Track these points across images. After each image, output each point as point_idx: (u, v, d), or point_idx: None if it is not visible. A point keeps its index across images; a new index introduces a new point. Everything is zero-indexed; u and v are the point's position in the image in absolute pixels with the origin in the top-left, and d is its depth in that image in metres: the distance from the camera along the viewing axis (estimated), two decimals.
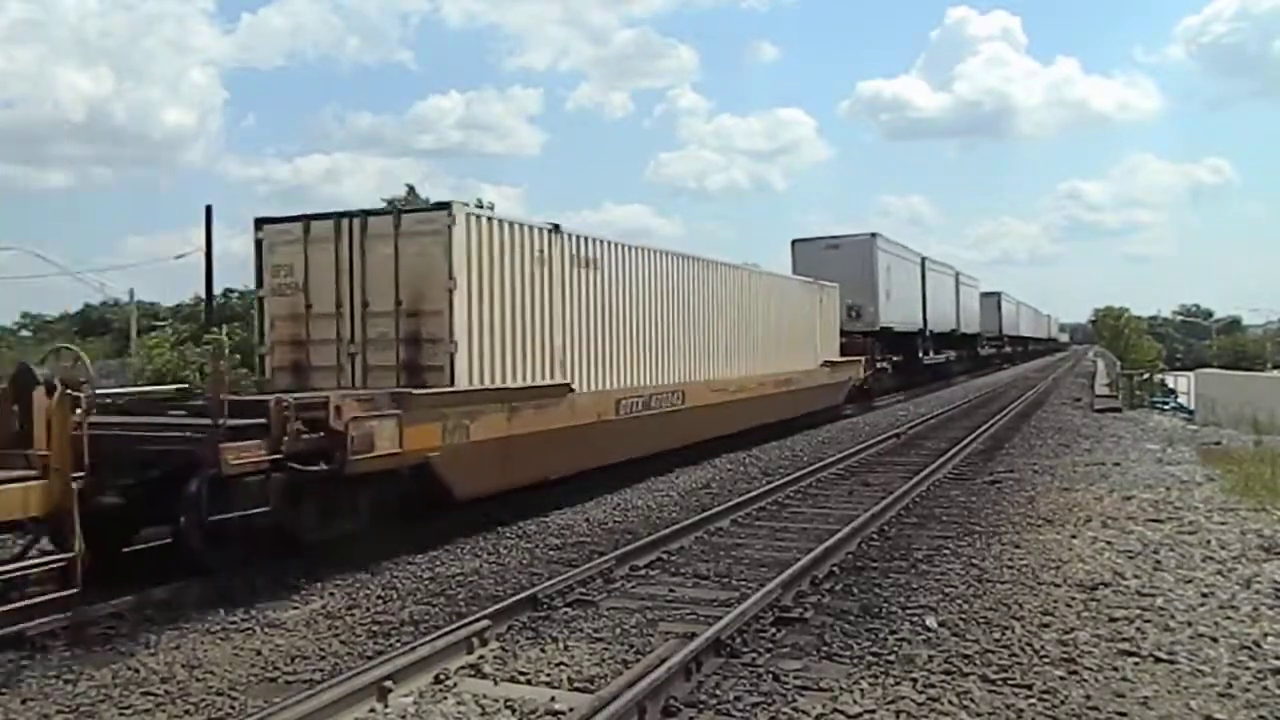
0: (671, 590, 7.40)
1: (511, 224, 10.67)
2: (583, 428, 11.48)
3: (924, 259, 35.21)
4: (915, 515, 10.29)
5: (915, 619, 6.45)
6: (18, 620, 5.84)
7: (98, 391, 7.45)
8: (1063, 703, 5.00)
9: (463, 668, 5.69)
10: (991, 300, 54.94)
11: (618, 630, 6.35)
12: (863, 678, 5.39)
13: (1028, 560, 8.02)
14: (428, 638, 5.93)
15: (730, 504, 10.63)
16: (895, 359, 30.23)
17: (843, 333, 24.33)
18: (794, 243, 28.23)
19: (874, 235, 28.32)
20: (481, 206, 11.79)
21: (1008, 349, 63.95)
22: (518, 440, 10.13)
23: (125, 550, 7.91)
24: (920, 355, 33.45)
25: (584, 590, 7.29)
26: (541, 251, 10.98)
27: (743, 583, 7.47)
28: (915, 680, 5.33)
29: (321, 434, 7.72)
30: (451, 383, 9.54)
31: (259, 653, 6.14)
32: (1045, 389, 35.06)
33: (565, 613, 6.78)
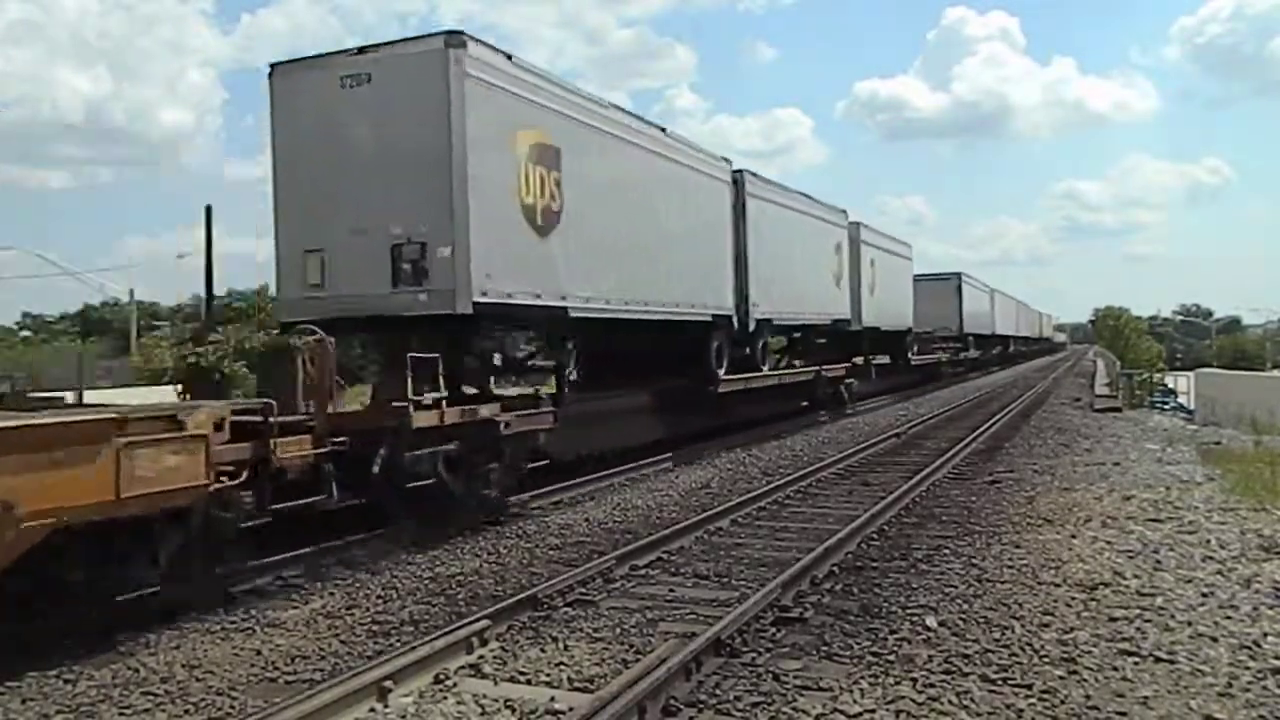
0: (671, 590, 7.39)
1: None
2: None
3: (741, 173, 17.65)
4: (915, 515, 10.29)
5: (915, 619, 6.44)
6: None
7: None
8: (1063, 702, 5.00)
9: (463, 668, 5.69)
10: (945, 285, 39.24)
11: (618, 630, 6.35)
12: (863, 677, 5.39)
13: (1028, 560, 8.02)
14: (428, 638, 5.93)
15: (730, 504, 10.62)
16: (621, 381, 14.54)
17: (370, 319, 9.95)
18: (272, 69, 10.37)
19: (451, 36, 9.50)
20: None
21: (972, 353, 44.30)
22: None
23: None
24: (715, 367, 16.31)
25: (584, 590, 7.29)
26: None
27: (742, 582, 7.47)
28: (915, 680, 5.33)
29: None
30: None
31: (259, 653, 6.14)
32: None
33: (565, 612, 6.78)
